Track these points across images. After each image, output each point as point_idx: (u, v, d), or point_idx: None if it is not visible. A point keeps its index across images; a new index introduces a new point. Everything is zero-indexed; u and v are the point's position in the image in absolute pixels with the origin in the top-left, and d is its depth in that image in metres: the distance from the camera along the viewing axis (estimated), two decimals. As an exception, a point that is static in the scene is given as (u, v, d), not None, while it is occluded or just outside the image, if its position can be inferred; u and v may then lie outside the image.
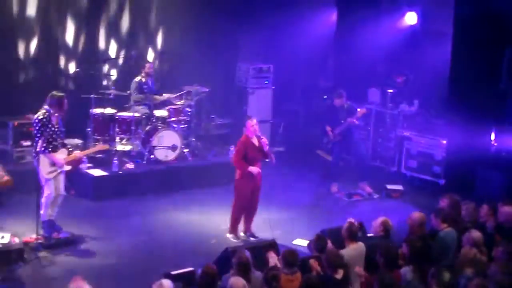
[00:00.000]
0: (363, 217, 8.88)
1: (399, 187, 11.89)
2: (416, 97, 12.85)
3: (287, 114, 14.13)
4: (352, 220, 7.68)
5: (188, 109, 12.12)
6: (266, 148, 9.36)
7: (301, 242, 9.12)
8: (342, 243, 7.61)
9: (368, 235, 8.21)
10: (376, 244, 7.59)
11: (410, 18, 13.27)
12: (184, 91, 12.38)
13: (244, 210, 9.50)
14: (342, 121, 11.42)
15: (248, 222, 9.63)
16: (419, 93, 12.89)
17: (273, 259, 7.17)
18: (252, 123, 9.32)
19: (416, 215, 8.05)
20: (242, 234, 9.58)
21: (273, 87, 13.82)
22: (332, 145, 11.80)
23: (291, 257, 6.79)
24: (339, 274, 6.79)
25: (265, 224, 9.53)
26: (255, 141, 9.37)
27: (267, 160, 9.51)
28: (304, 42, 14.06)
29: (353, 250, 7.46)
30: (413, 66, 13.08)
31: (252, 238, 9.53)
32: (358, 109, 11.53)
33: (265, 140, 9.38)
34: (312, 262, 7.08)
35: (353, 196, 11.60)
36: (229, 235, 9.51)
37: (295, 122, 14.01)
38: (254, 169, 9.25)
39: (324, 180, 12.08)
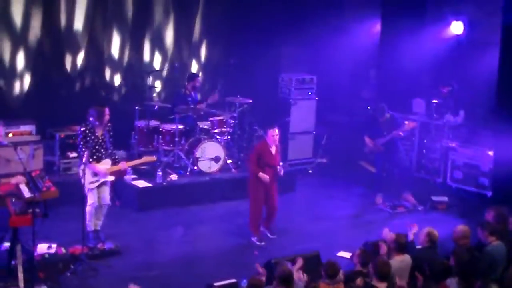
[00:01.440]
0: (407, 229, 8.74)
1: (445, 198, 11.71)
2: (462, 108, 12.66)
3: (330, 125, 14.04)
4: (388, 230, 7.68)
5: (231, 121, 12.15)
6: (278, 164, 9.64)
7: (345, 254, 9.04)
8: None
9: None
10: (421, 255, 7.51)
11: (456, 28, 13.08)
12: (227, 103, 12.45)
13: (260, 210, 9.73)
14: (385, 133, 11.32)
15: (269, 221, 9.91)
16: (464, 104, 12.69)
17: (296, 274, 7.13)
18: (274, 132, 9.55)
19: (460, 228, 7.96)
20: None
21: (316, 98, 13.77)
22: (375, 156, 11.75)
23: (332, 269, 6.83)
24: (382, 285, 6.72)
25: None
26: (272, 149, 9.63)
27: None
28: (348, 52, 13.98)
29: (399, 262, 7.39)
30: (459, 76, 12.88)
31: (269, 235, 9.80)
32: (406, 122, 11.42)
33: (278, 158, 9.68)
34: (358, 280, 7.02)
35: (398, 207, 11.47)
36: (253, 238, 9.73)
37: (338, 133, 13.91)
38: (264, 176, 9.47)
39: (368, 192, 11.98)
